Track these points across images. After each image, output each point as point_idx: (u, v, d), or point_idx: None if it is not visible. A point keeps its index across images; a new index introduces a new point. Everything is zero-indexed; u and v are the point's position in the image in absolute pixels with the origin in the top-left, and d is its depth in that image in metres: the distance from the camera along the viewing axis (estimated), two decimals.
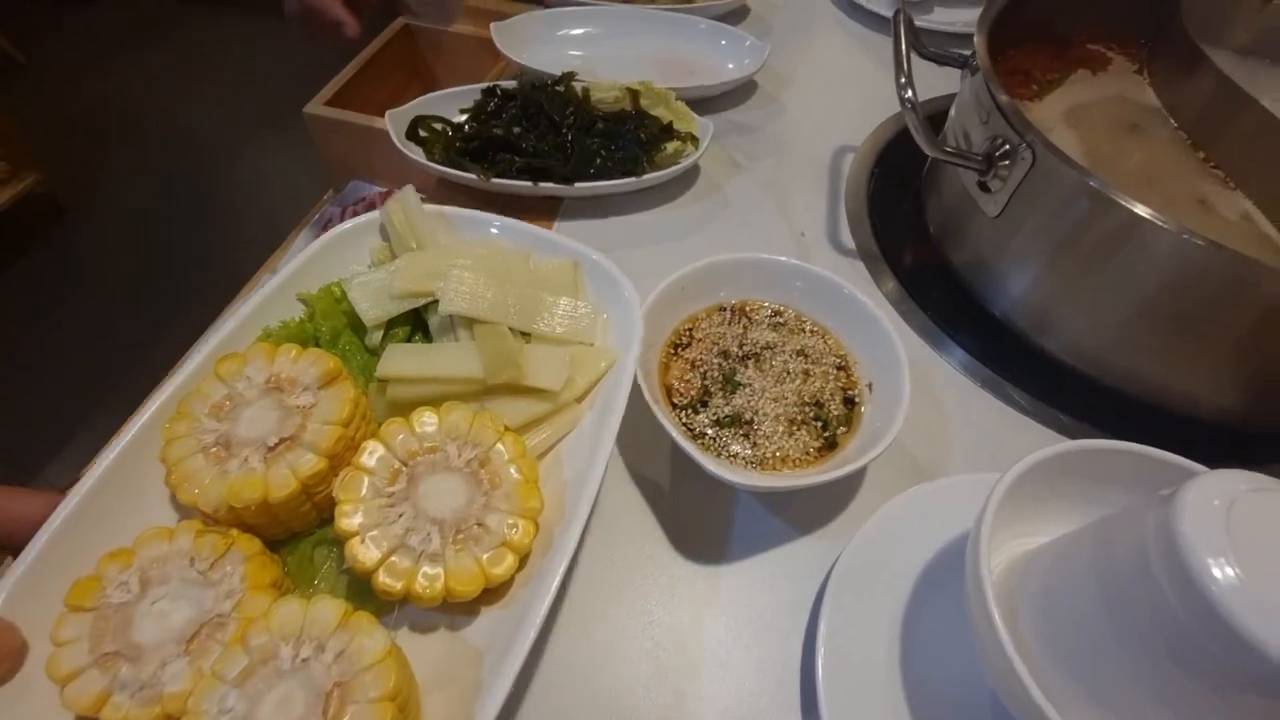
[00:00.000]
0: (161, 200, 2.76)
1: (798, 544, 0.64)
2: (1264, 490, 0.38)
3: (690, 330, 0.73)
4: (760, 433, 0.66)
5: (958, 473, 0.67)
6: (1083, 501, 0.51)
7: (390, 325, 0.63)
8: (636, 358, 0.59)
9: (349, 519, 0.47)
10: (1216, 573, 0.35)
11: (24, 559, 0.45)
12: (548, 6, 1.27)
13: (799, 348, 0.72)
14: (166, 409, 0.53)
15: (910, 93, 0.79)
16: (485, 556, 0.48)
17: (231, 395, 0.52)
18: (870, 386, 0.69)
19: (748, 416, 0.67)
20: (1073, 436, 0.74)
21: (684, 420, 0.66)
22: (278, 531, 0.51)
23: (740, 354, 0.71)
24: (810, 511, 0.66)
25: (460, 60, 1.28)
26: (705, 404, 0.67)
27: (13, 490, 0.47)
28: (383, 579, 0.46)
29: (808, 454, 0.65)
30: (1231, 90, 0.87)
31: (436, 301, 0.61)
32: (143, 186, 2.82)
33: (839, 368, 0.71)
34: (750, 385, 0.69)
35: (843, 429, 0.66)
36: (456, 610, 0.49)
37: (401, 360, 0.58)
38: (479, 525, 0.49)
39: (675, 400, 0.68)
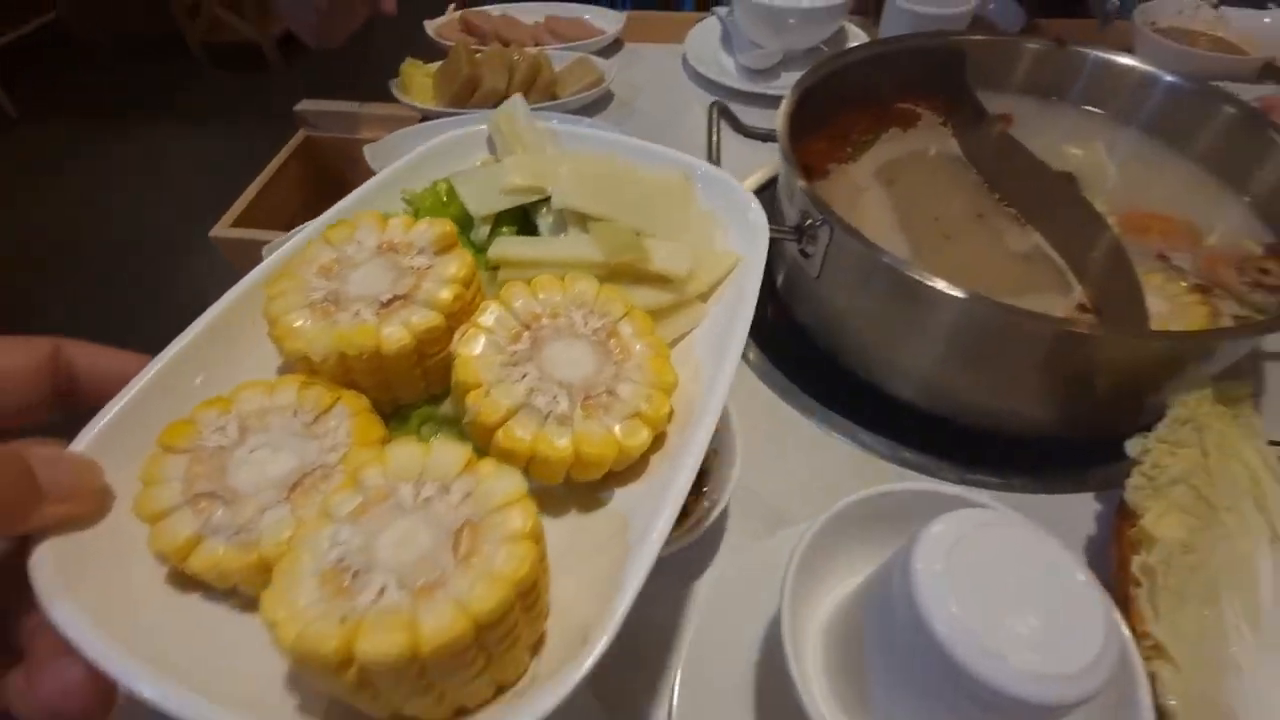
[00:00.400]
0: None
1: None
2: (988, 526, 0.45)
3: None
4: None
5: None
6: (892, 539, 0.53)
7: (497, 224, 0.60)
8: (763, 260, 0.55)
9: (469, 369, 0.44)
10: (939, 609, 0.41)
11: (112, 407, 0.43)
12: (425, 119, 1.40)
13: None
14: (269, 271, 0.51)
15: None
16: (618, 427, 0.44)
17: (341, 258, 0.49)
18: (716, 452, 0.74)
19: None
20: (923, 471, 0.85)
21: None
22: (384, 399, 0.48)
23: None
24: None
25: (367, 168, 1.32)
26: None
27: (103, 347, 0.46)
28: (506, 436, 0.42)
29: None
30: (1008, 138, 1.03)
31: (547, 201, 0.59)
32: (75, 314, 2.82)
33: None
34: None
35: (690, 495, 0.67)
36: (581, 490, 0.46)
37: (513, 245, 0.56)
38: (609, 394, 0.45)
39: None
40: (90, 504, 0.40)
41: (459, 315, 0.47)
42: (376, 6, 1.17)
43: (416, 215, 0.59)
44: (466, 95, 1.39)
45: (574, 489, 0.45)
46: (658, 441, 0.47)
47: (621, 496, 0.46)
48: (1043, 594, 0.42)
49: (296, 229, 0.58)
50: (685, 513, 0.66)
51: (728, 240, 0.60)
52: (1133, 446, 0.73)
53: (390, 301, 0.47)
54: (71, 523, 0.39)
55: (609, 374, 0.46)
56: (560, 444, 0.42)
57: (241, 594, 0.41)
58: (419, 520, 0.36)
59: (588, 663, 0.34)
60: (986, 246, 0.98)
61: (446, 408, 0.49)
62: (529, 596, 0.36)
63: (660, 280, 0.55)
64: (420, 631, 0.32)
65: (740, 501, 0.79)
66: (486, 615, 0.33)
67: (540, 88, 1.44)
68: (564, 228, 0.58)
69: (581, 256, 0.55)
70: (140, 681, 0.34)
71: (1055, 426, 0.83)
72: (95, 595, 0.37)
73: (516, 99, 0.66)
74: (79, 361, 0.44)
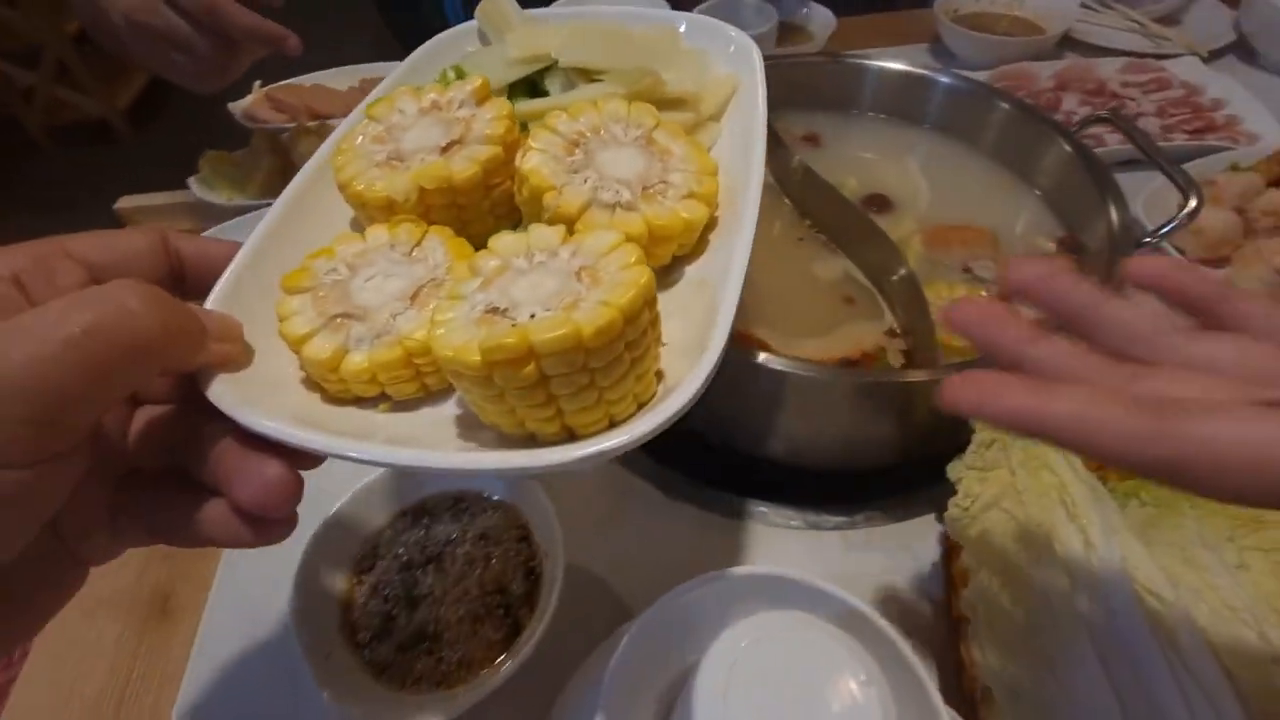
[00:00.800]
0: None
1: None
2: (763, 641, 0.45)
3: (375, 549, 0.75)
4: (445, 642, 0.68)
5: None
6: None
7: (510, 97, 0.64)
8: (761, 75, 0.62)
9: (539, 176, 0.50)
10: None
11: (227, 274, 0.49)
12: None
13: (480, 531, 0.75)
14: (326, 155, 0.57)
15: None
16: (678, 205, 0.51)
17: (389, 126, 0.55)
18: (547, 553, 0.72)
19: (431, 629, 0.69)
20: (770, 522, 0.87)
21: (367, 659, 0.68)
22: (462, 233, 0.53)
23: (422, 560, 0.73)
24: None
25: None
26: (389, 631, 0.69)
27: (202, 237, 0.52)
28: (585, 224, 0.48)
29: (490, 650, 0.68)
30: (807, 169, 1.07)
31: (551, 69, 0.64)
32: None
33: (521, 539, 0.75)
34: (431, 593, 0.71)
35: (524, 609, 0.70)
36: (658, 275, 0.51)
37: (537, 102, 0.61)
38: (663, 183, 0.52)
39: (359, 639, 0.69)
40: (242, 345, 0.46)
41: (512, 147, 0.54)
42: (277, 46, 1.10)
43: None
44: (279, 182, 1.26)
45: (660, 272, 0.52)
46: (711, 223, 0.54)
47: (692, 270, 0.53)
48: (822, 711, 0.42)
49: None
50: (516, 632, 0.69)
51: (721, 70, 0.66)
52: (952, 470, 0.75)
53: (448, 146, 0.53)
54: (230, 361, 0.45)
55: (658, 168, 0.53)
56: (634, 222, 0.49)
57: (391, 397, 0.48)
58: (541, 274, 0.42)
59: (709, 366, 0.41)
60: (801, 277, 1.03)
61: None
62: (653, 308, 0.42)
63: (676, 104, 0.61)
64: (579, 323, 0.38)
65: (579, 591, 0.75)
66: (629, 305, 0.39)
67: None
68: (573, 87, 0.63)
69: (602, 93, 0.60)
70: (345, 448, 0.41)
71: (892, 458, 0.87)
72: (272, 407, 0.43)
73: None
74: (184, 248, 0.49)
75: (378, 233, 0.50)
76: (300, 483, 0.43)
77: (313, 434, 0.41)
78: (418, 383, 0.48)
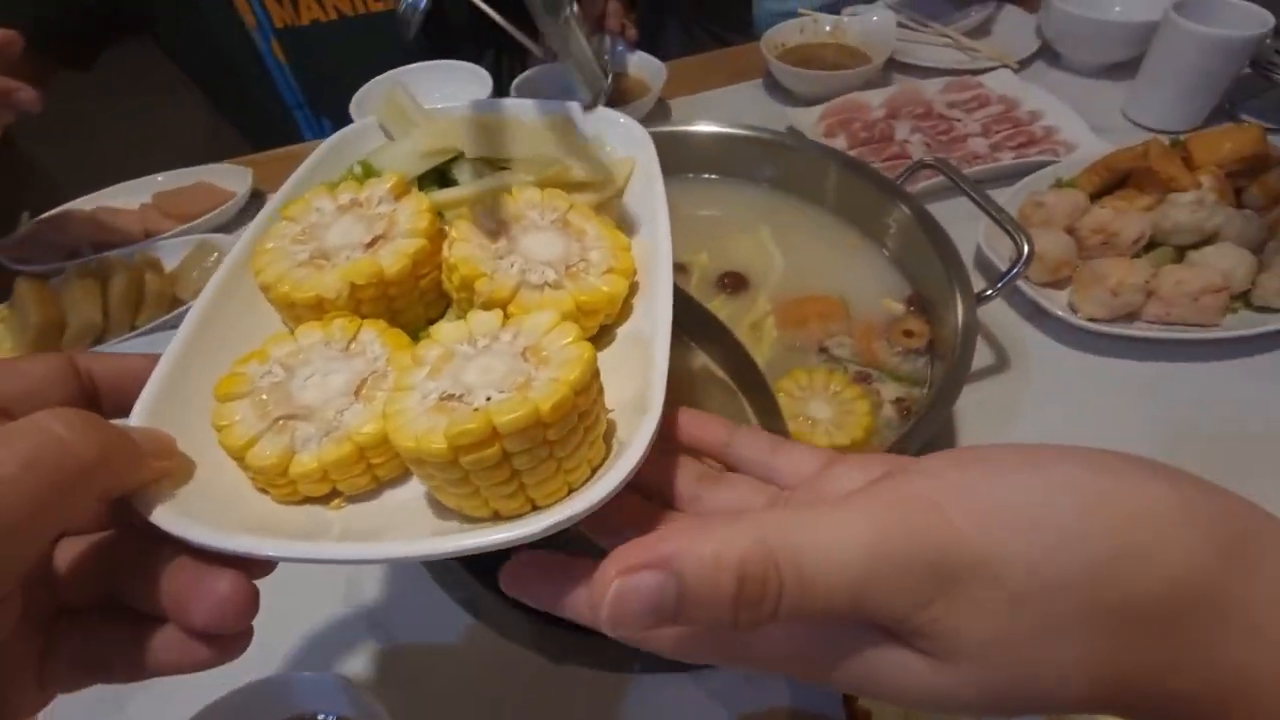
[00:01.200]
0: None
1: None
2: None
3: None
4: None
5: None
6: None
7: (420, 189, 0.66)
8: (655, 156, 0.68)
9: (470, 265, 0.54)
10: None
11: (148, 390, 0.49)
12: None
13: None
14: (240, 257, 0.59)
15: None
16: (600, 281, 0.56)
17: (308, 226, 0.57)
18: None
19: None
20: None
21: None
22: (390, 322, 0.55)
23: None
24: None
25: None
26: None
27: (111, 354, 0.51)
28: (518, 306, 0.53)
29: None
30: None
31: (458, 159, 0.68)
32: None
33: None
34: None
35: None
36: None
37: (450, 192, 0.65)
38: (584, 261, 0.57)
39: None
40: (178, 459, 0.46)
41: (436, 239, 0.57)
42: (10, 101, 1.04)
43: None
44: (55, 337, 1.17)
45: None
46: (632, 289, 0.59)
47: (622, 331, 0.58)
48: None
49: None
50: None
51: (617, 153, 0.72)
52: None
53: (373, 242, 0.56)
54: (167, 477, 0.45)
55: (577, 248, 0.58)
56: (563, 299, 0.54)
57: (343, 493, 0.49)
58: (488, 357, 0.46)
59: (653, 425, 0.46)
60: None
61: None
62: (597, 378, 0.46)
63: (581, 187, 0.65)
64: (536, 401, 0.41)
65: None
66: (579, 380, 0.43)
67: (153, 300, 1.23)
68: (480, 177, 0.68)
69: (516, 183, 0.64)
70: (307, 551, 0.43)
71: None
72: (219, 520, 0.43)
73: (395, 90, 0.73)
74: (95, 368, 0.48)
75: (310, 331, 0.52)
76: (256, 592, 0.43)
77: (270, 542, 0.42)
78: (369, 475, 0.49)
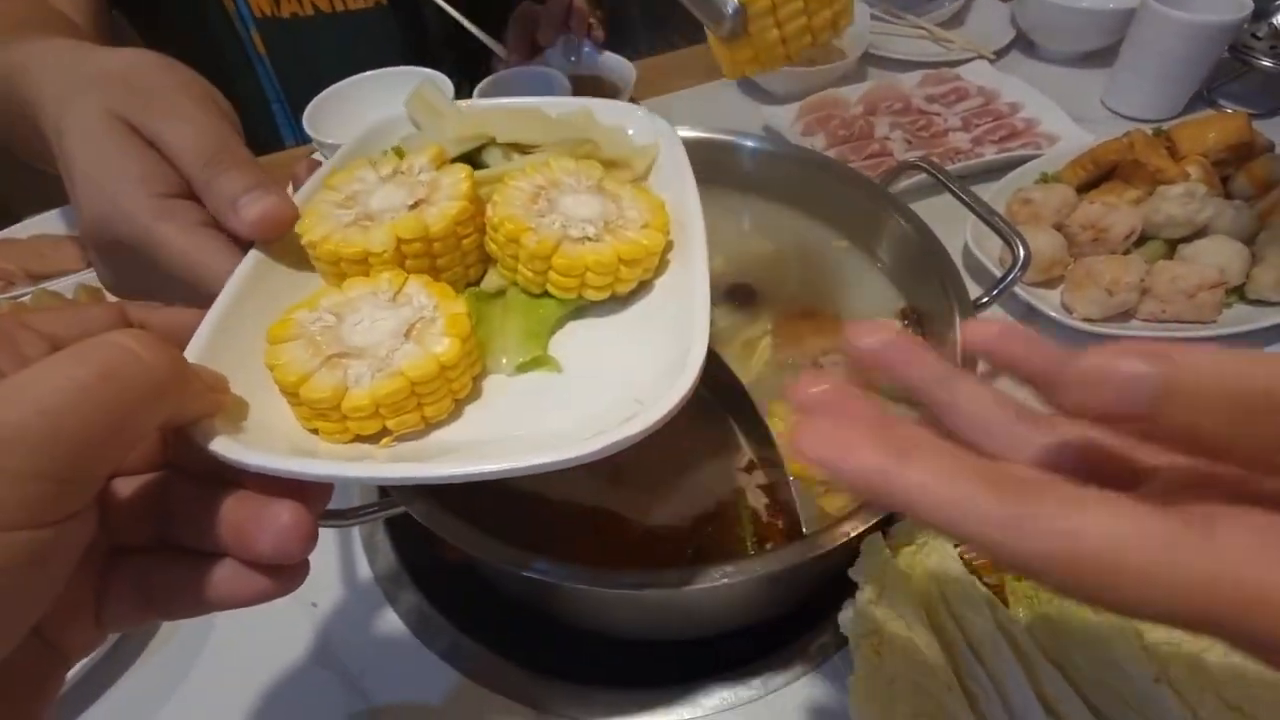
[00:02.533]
0: None
1: None
2: None
3: None
4: None
5: None
6: None
7: None
8: (677, 137, 0.76)
9: (514, 221, 0.61)
10: None
11: (199, 335, 0.53)
12: None
13: None
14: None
15: None
16: (639, 234, 0.63)
17: (351, 193, 0.63)
18: None
19: None
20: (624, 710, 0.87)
21: None
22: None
23: None
24: None
25: None
26: None
27: (161, 305, 0.55)
28: (561, 256, 0.60)
29: None
30: None
31: (489, 145, 0.74)
32: None
33: None
34: None
35: None
36: (630, 299, 0.66)
37: (486, 171, 0.71)
38: (621, 218, 0.64)
39: None
40: (230, 396, 0.51)
41: (478, 203, 0.64)
42: None
43: None
44: None
45: (626, 300, 0.65)
46: (667, 246, 0.66)
47: (660, 282, 0.66)
48: None
49: None
50: None
51: (638, 140, 0.79)
52: (848, 625, 0.76)
53: (416, 205, 0.62)
54: (221, 411, 0.49)
55: (614, 208, 0.64)
56: (604, 250, 0.61)
57: (392, 431, 0.53)
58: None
59: (696, 367, 0.53)
60: None
61: (489, 282, 0.67)
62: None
63: (612, 165, 0.72)
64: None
65: None
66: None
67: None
68: (511, 160, 0.73)
69: (551, 156, 0.70)
70: (356, 470, 0.50)
71: (764, 619, 0.89)
72: (275, 449, 0.48)
73: (425, 85, 0.79)
74: (147, 318, 0.52)
75: (357, 284, 0.57)
76: (315, 522, 0.46)
77: (324, 463, 0.48)
78: (418, 414, 0.54)
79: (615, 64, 1.79)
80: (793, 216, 1.23)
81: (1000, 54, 1.87)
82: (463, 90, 1.52)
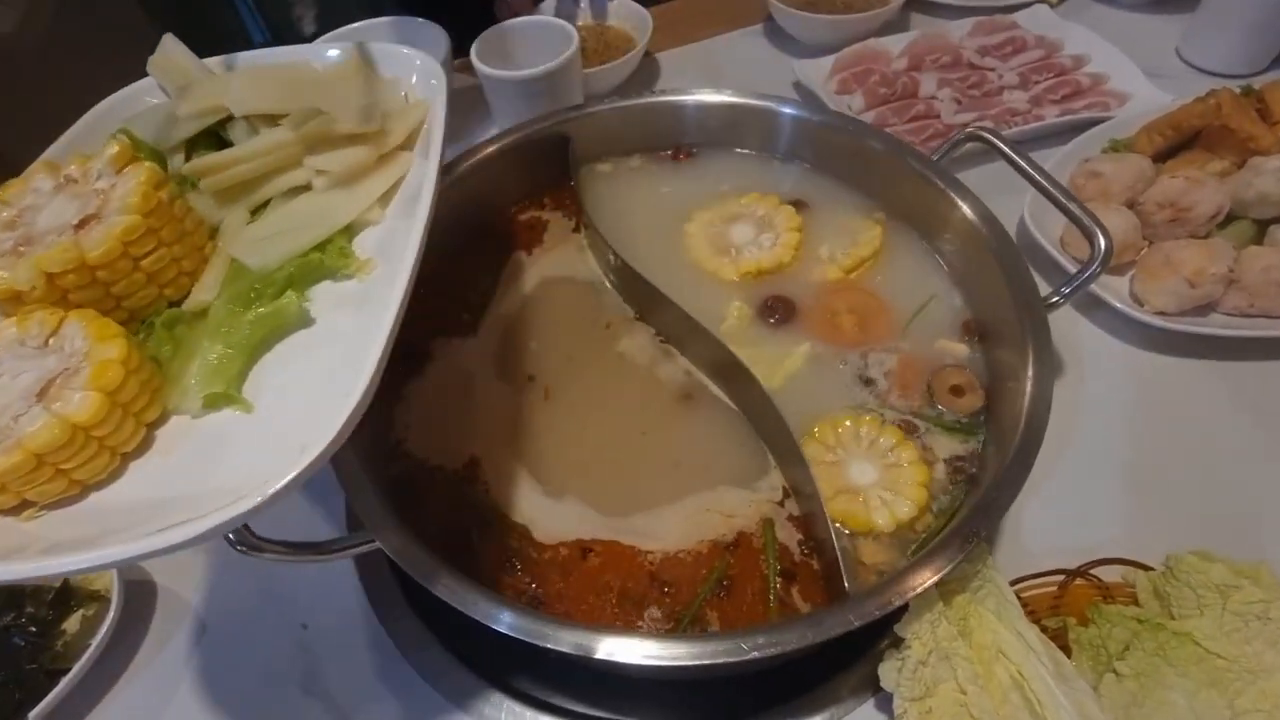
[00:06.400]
0: None
1: None
2: None
3: None
4: None
5: None
6: None
7: (193, 151, 0.71)
8: (445, 101, 0.73)
9: None
10: None
11: None
12: None
13: None
14: None
15: None
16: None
17: (21, 210, 0.57)
18: None
19: None
20: None
21: None
22: (118, 313, 0.57)
23: None
24: None
25: None
26: None
27: None
28: None
29: None
30: (627, 269, 0.95)
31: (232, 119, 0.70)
32: None
33: None
34: None
35: None
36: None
37: (206, 159, 0.67)
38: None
39: None
40: None
41: (159, 213, 0.58)
42: None
43: None
44: None
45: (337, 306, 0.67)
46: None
47: (372, 281, 0.67)
48: None
49: None
50: None
51: (415, 94, 0.76)
52: (892, 683, 0.72)
53: (83, 222, 0.55)
54: None
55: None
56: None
57: (35, 502, 0.52)
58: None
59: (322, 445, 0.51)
60: (640, 380, 0.91)
61: (192, 299, 0.64)
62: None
63: (353, 140, 0.70)
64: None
65: None
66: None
67: None
68: (255, 134, 0.69)
69: (272, 142, 0.68)
70: None
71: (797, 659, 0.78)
72: None
73: (167, 39, 0.75)
74: None
75: (5, 329, 0.53)
76: None
77: None
78: (63, 480, 0.51)
79: (630, 11, 1.56)
80: (836, 192, 1.08)
81: None
82: (466, 40, 1.35)
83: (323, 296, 0.68)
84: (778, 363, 0.89)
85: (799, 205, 1.04)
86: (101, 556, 0.47)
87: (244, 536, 0.63)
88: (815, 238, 1.02)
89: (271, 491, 0.48)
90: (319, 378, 0.61)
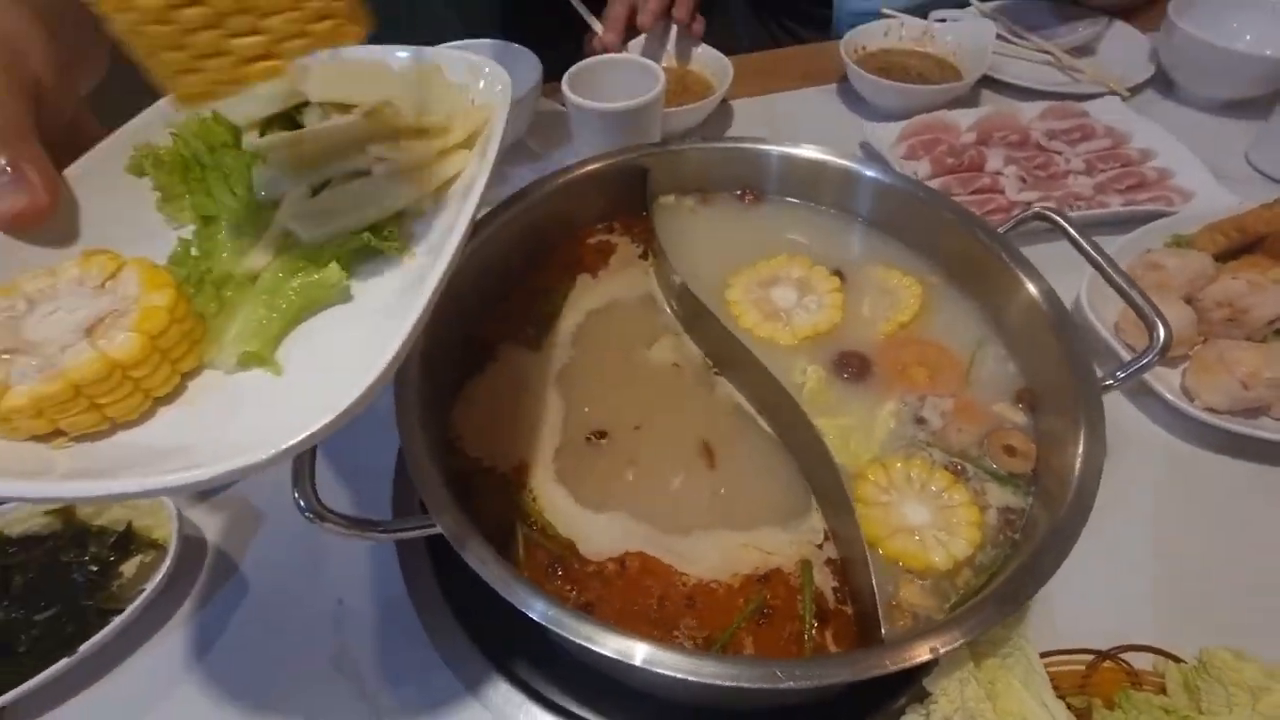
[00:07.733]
0: None
1: None
2: None
3: None
4: None
5: None
6: None
7: (267, 131, 0.72)
8: (506, 104, 0.75)
9: None
10: None
11: None
12: None
13: None
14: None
15: None
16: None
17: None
18: None
19: None
20: None
21: None
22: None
23: None
24: None
25: None
26: None
27: None
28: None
29: None
30: (688, 294, 0.95)
31: (308, 105, 0.73)
32: None
33: None
34: None
35: None
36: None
37: (276, 137, 0.70)
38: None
39: None
40: None
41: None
42: None
43: (181, 140, 0.72)
44: None
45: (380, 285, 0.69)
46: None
47: (413, 267, 0.69)
48: None
49: None
50: None
51: (480, 99, 0.78)
52: None
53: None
54: None
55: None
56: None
57: (66, 432, 0.54)
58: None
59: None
60: (678, 393, 0.91)
61: (243, 267, 0.68)
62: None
63: (424, 133, 0.73)
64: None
65: None
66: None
67: None
68: (328, 118, 0.72)
69: (340, 125, 0.70)
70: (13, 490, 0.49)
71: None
72: None
73: None
74: None
75: (69, 267, 0.57)
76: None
77: None
78: (96, 414, 0.54)
79: (712, 59, 1.58)
80: (889, 252, 1.06)
81: (1135, 91, 1.59)
82: (557, 67, 1.36)
83: (364, 276, 0.69)
84: (868, 432, 0.88)
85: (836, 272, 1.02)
86: (111, 486, 0.48)
87: (311, 504, 0.63)
88: (854, 298, 1.01)
89: (275, 451, 0.49)
90: (346, 352, 0.62)
